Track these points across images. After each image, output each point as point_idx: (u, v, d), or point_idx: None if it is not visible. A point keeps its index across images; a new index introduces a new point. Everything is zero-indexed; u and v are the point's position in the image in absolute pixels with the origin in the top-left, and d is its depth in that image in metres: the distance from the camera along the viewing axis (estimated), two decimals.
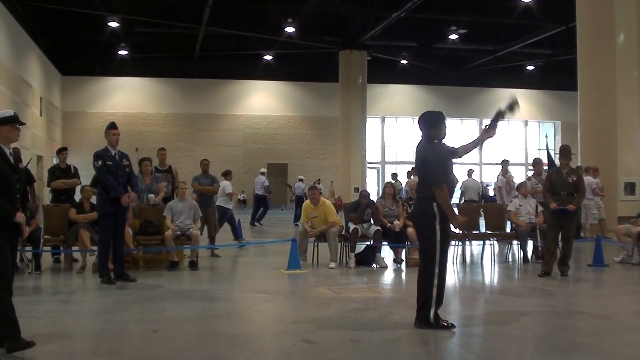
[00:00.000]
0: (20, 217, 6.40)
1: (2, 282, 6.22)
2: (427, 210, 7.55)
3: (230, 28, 37.25)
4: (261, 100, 47.74)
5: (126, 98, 45.81)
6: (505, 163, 19.84)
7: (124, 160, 11.33)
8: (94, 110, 44.46)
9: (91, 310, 8.91)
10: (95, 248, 12.12)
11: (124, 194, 10.99)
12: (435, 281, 7.46)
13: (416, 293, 7.63)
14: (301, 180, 31.40)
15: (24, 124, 6.91)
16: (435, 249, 7.51)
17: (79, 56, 42.72)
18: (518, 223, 14.02)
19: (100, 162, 11.05)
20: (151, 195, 13.51)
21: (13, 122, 6.56)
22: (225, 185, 17.47)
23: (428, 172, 7.62)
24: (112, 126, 11.38)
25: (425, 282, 7.52)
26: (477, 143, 7.94)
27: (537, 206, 14.09)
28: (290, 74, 46.09)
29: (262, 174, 26.39)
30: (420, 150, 7.83)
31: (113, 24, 35.22)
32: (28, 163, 13.15)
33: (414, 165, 8.19)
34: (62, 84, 44.52)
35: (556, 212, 11.94)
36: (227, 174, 18.21)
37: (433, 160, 7.63)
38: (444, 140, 7.85)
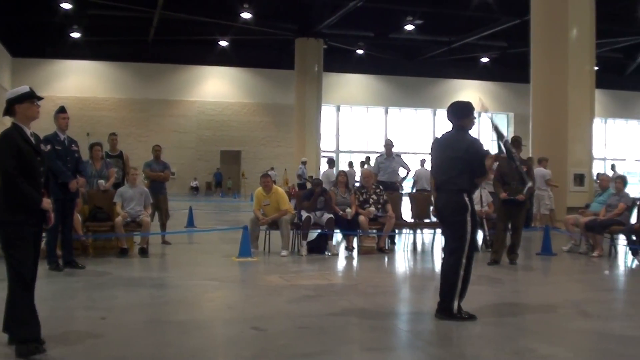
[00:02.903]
0: (46, 203, 6.11)
1: (20, 279, 6.01)
2: (459, 202, 7.48)
3: (186, 12, 36.91)
4: (216, 87, 47.52)
5: (78, 82, 45.22)
6: None
7: (72, 145, 11.17)
8: (45, 94, 42.87)
9: (39, 297, 8.66)
10: (43, 234, 11.95)
11: (72, 180, 10.86)
12: (462, 272, 7.41)
13: (440, 283, 7.57)
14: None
15: (42, 98, 6.51)
16: (465, 241, 7.45)
17: (30, 37, 42.00)
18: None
19: (49, 147, 10.88)
20: (101, 181, 13.32)
21: (31, 98, 6.22)
22: (329, 174, 17.92)
23: (477, 164, 7.50)
24: (62, 110, 11.21)
25: (451, 274, 7.44)
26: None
27: (481, 197, 14.17)
28: (245, 60, 45.92)
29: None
30: (457, 140, 7.66)
31: (65, 5, 34.62)
32: None
33: (445, 156, 7.74)
34: (12, 65, 43.78)
35: (506, 202, 12.08)
36: (330, 163, 18.48)
37: (481, 152, 7.60)
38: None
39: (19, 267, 5.99)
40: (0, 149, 6.03)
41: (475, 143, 7.63)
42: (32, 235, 6.10)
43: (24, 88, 6.34)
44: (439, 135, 8.04)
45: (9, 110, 6.21)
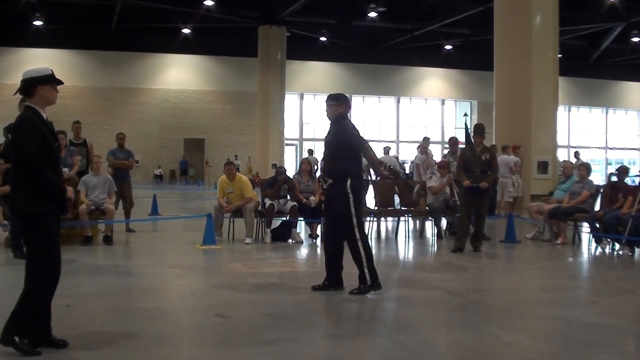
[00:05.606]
0: (70, 192, 5.71)
1: (50, 275, 5.81)
2: (342, 190, 7.74)
3: (149, 0, 36.57)
4: (179, 75, 47.17)
5: None
6: (425, 141, 19.83)
7: None
8: (8, 82, 43.02)
9: (3, 286, 8.70)
10: (7, 222, 11.82)
11: None
12: (360, 243, 7.79)
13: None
14: None
15: (62, 83, 6.07)
16: (353, 227, 7.63)
17: None
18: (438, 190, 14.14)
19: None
20: (65, 169, 13.19)
21: (54, 81, 5.81)
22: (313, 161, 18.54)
23: (354, 141, 7.87)
24: None
25: (357, 258, 7.88)
26: (374, 164, 8.70)
27: (451, 184, 14.26)
28: (208, 48, 45.60)
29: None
30: (337, 129, 8.10)
31: None
32: None
33: (328, 144, 8.27)
34: None
35: (469, 190, 12.13)
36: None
37: (354, 134, 8.05)
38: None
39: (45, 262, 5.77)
40: (22, 134, 5.57)
41: (346, 127, 8.10)
42: (56, 226, 5.78)
43: (46, 69, 5.90)
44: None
45: (28, 91, 5.75)
